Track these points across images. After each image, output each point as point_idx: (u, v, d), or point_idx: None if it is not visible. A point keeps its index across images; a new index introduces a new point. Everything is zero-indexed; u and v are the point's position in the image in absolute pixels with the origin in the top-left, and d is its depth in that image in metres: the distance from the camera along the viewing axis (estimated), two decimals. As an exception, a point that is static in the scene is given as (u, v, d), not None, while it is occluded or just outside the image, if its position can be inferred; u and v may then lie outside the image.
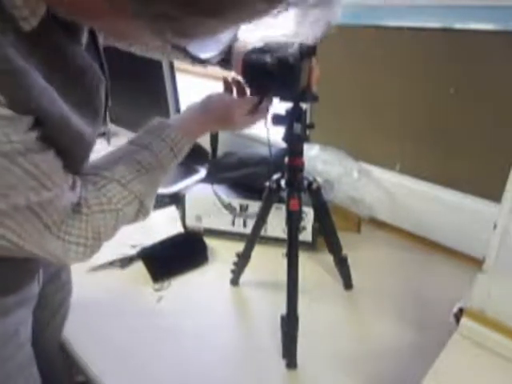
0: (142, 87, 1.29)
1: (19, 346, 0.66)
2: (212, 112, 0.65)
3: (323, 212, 0.86)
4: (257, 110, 0.66)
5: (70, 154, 0.47)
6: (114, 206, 0.52)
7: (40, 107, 0.40)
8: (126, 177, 0.54)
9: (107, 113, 0.60)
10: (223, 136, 1.44)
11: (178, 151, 0.59)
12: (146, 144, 0.58)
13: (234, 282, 0.98)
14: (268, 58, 0.62)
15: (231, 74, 0.71)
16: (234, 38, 0.70)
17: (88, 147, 0.51)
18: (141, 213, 0.58)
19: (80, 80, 0.48)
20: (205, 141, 1.25)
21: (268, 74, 0.63)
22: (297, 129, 0.71)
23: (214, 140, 0.77)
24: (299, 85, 0.64)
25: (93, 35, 0.54)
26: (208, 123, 0.65)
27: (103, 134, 1.74)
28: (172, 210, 1.20)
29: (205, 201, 1.11)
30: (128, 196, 0.54)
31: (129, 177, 0.54)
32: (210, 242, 1.08)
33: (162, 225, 1.14)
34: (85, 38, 0.50)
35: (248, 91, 0.68)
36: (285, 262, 0.76)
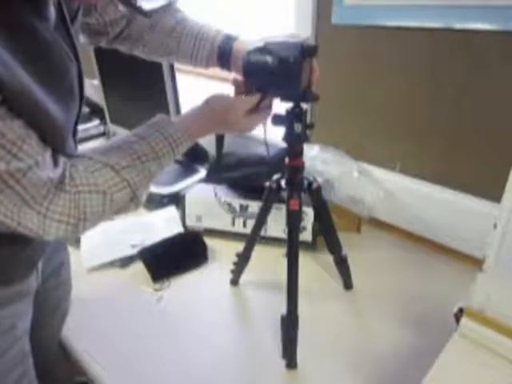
0: (141, 87, 1.29)
1: (15, 340, 0.66)
2: (213, 112, 0.65)
3: (323, 212, 0.86)
4: (259, 109, 0.65)
5: (37, 131, 0.47)
6: (101, 187, 0.52)
7: None
8: (121, 163, 0.54)
9: (84, 99, 0.59)
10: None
11: (176, 147, 0.59)
12: (145, 136, 0.58)
13: (234, 282, 0.98)
14: (269, 58, 0.62)
15: (232, 75, 0.71)
16: (233, 39, 0.70)
17: (60, 129, 0.51)
18: (133, 202, 0.57)
19: (45, 56, 0.48)
20: (205, 141, 1.25)
21: (268, 73, 0.63)
22: (297, 129, 0.71)
23: (220, 142, 0.77)
24: (300, 85, 0.64)
25: (63, 17, 0.54)
26: (210, 124, 0.65)
27: (103, 134, 1.75)
28: (172, 210, 1.20)
29: (205, 201, 1.12)
30: (120, 183, 0.54)
31: (123, 163, 0.55)
32: (209, 242, 1.08)
33: (162, 225, 1.14)
34: (52, 16, 0.50)
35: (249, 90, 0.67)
36: (285, 262, 0.76)
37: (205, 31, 0.71)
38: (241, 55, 0.65)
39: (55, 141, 0.50)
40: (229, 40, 0.70)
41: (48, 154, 0.48)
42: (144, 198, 0.60)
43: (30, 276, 0.66)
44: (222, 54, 0.71)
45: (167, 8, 0.72)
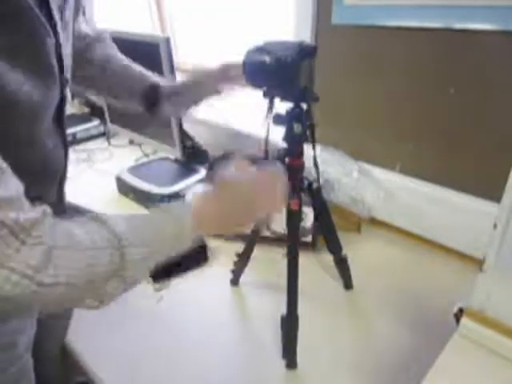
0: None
1: (16, 358, 0.63)
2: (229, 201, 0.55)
3: (323, 212, 0.86)
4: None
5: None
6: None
7: None
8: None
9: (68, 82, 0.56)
10: (223, 136, 1.45)
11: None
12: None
13: (234, 282, 0.98)
14: (267, 58, 0.62)
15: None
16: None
17: (36, 107, 0.47)
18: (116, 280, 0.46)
19: (13, 21, 0.43)
20: (205, 140, 1.25)
21: (267, 73, 0.63)
22: (296, 129, 0.71)
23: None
24: (298, 85, 0.64)
25: None
26: (226, 217, 0.55)
27: (103, 134, 1.75)
28: (172, 210, 1.20)
29: (205, 201, 1.11)
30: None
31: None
32: (209, 242, 1.08)
33: (162, 225, 1.14)
34: None
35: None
36: (285, 262, 0.76)
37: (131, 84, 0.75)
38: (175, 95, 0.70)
39: (29, 122, 0.46)
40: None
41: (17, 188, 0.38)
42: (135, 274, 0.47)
43: None
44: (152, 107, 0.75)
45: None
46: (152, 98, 0.76)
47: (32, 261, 0.37)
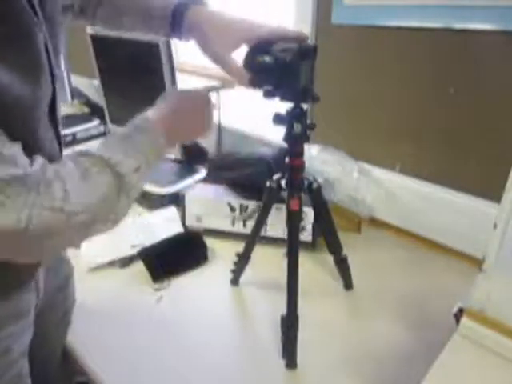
0: (141, 87, 1.29)
1: (10, 364, 0.61)
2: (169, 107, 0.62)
3: (323, 212, 0.86)
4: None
5: None
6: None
7: None
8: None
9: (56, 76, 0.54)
10: (223, 136, 1.44)
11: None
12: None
13: (234, 281, 0.98)
14: (267, 58, 0.62)
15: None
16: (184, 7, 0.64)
17: (28, 106, 0.46)
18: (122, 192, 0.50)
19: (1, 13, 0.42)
20: (205, 140, 1.25)
21: (267, 73, 0.63)
22: (296, 129, 0.71)
23: None
24: (298, 84, 0.64)
25: None
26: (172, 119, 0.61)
27: (103, 134, 1.75)
28: (172, 210, 1.20)
29: (205, 201, 1.11)
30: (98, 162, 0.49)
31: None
32: (210, 242, 1.08)
33: (162, 225, 1.14)
34: None
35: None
36: (285, 262, 0.76)
37: (152, 5, 0.66)
38: (198, 24, 0.62)
39: (22, 123, 0.46)
40: (181, 8, 0.64)
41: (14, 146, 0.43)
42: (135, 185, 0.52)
43: (29, 289, 0.62)
44: (175, 26, 0.65)
45: None
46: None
47: (57, 194, 0.44)
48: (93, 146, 0.52)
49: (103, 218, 0.49)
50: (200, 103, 0.67)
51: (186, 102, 0.66)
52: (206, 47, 0.63)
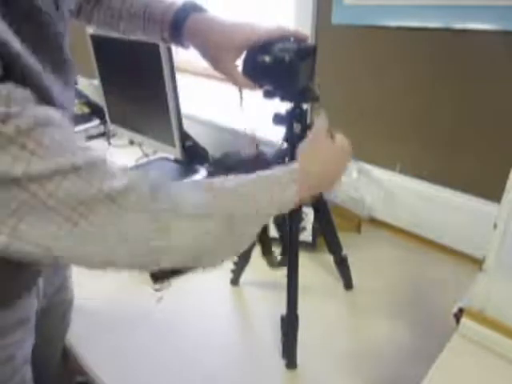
0: (141, 87, 1.29)
1: (14, 372, 0.61)
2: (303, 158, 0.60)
3: (323, 212, 0.86)
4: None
5: None
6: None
7: None
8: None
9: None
10: (223, 136, 1.45)
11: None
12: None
13: (234, 282, 0.98)
14: (266, 57, 0.61)
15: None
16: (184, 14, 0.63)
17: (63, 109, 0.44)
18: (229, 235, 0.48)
19: (35, 20, 0.41)
20: (205, 140, 1.25)
21: (266, 73, 0.63)
22: (296, 129, 0.71)
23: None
24: (298, 84, 0.64)
25: None
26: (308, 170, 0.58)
27: (103, 134, 1.75)
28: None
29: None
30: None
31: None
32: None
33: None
34: None
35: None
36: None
37: (151, 11, 0.64)
38: (199, 32, 0.61)
39: None
40: (182, 16, 0.63)
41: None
42: (244, 238, 0.50)
43: (31, 295, 0.61)
44: (175, 33, 0.64)
45: None
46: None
47: (141, 228, 0.41)
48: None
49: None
50: (344, 158, 0.67)
51: (333, 157, 0.65)
52: (208, 55, 0.63)
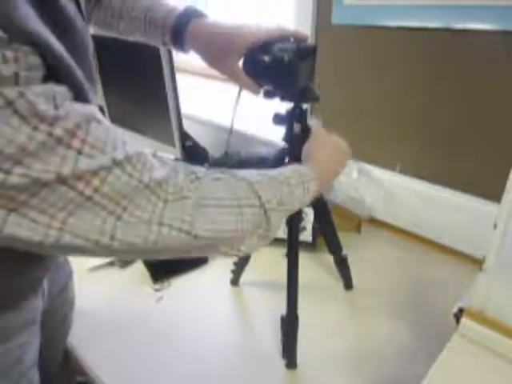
0: (141, 87, 1.29)
1: (22, 375, 0.61)
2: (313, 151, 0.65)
3: (323, 212, 0.86)
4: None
5: None
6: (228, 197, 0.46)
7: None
8: (255, 177, 0.50)
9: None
10: (223, 136, 1.44)
11: (307, 181, 0.57)
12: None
13: (234, 281, 0.98)
14: (265, 57, 0.61)
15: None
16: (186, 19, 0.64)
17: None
18: (261, 228, 0.50)
19: (70, 31, 0.41)
20: (205, 140, 1.25)
21: (266, 72, 0.63)
22: (296, 129, 0.71)
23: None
24: (297, 85, 0.64)
25: None
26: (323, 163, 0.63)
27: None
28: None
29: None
30: (252, 197, 0.48)
31: (257, 178, 0.51)
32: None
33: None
34: None
35: None
36: (285, 262, 0.76)
37: (153, 15, 0.65)
38: (200, 37, 0.62)
39: None
40: (183, 21, 0.64)
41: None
42: (275, 231, 0.52)
43: (37, 296, 0.62)
44: (176, 38, 0.65)
45: None
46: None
47: (186, 216, 0.42)
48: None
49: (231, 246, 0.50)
50: (344, 152, 0.71)
51: (332, 150, 0.68)
52: (209, 59, 0.64)
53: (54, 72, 0.35)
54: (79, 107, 0.36)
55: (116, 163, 0.37)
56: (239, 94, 0.67)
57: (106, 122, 0.39)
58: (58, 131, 0.33)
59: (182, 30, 0.64)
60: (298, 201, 0.56)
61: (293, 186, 0.54)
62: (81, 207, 0.36)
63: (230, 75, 0.65)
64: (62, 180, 0.34)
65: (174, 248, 0.44)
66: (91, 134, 0.36)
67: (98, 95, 0.50)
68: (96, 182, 0.36)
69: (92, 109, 0.38)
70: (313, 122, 0.69)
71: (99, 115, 0.38)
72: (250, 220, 0.48)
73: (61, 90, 0.35)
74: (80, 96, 0.38)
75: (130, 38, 0.72)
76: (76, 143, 0.35)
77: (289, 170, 0.57)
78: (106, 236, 0.38)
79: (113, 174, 0.37)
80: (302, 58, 0.62)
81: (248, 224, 0.48)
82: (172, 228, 0.42)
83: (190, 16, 0.64)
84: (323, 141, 0.67)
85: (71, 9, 0.42)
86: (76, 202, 0.36)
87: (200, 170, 0.48)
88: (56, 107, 0.34)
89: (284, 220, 0.75)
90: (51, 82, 0.34)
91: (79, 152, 0.35)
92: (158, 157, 0.44)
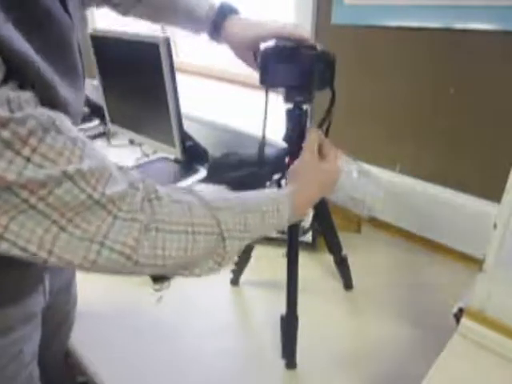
0: (141, 87, 1.29)
1: (22, 367, 0.62)
2: (296, 174, 0.63)
3: (323, 212, 0.86)
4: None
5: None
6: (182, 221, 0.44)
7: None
8: (216, 202, 0.49)
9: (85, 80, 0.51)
10: (223, 136, 1.45)
11: (280, 204, 0.56)
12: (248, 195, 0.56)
13: (234, 282, 0.98)
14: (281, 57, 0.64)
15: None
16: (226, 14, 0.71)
17: (72, 114, 0.42)
18: (219, 253, 0.49)
19: (45, 23, 0.40)
20: (205, 140, 1.25)
21: (280, 72, 0.64)
22: (297, 129, 0.71)
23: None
24: (312, 86, 0.66)
25: None
26: (305, 186, 0.62)
27: (103, 134, 1.75)
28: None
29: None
30: (209, 221, 0.47)
31: (219, 203, 0.49)
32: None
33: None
34: None
35: None
36: (285, 261, 0.76)
37: (198, 10, 0.72)
38: (234, 36, 0.69)
39: None
40: (219, 20, 0.71)
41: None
42: (230, 260, 0.52)
43: (38, 292, 0.62)
44: (212, 34, 0.73)
45: None
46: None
47: (130, 240, 0.40)
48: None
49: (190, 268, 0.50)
50: (330, 180, 0.66)
51: (321, 177, 0.65)
52: (240, 53, 0.72)
53: (16, 73, 0.34)
54: (43, 114, 0.35)
55: (67, 176, 0.36)
56: (266, 102, 0.67)
57: (70, 131, 0.38)
58: (6, 134, 0.32)
59: (218, 28, 0.71)
60: (268, 227, 0.55)
61: (264, 213, 0.53)
62: (23, 213, 0.35)
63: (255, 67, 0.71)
64: (6, 185, 0.34)
65: (113, 270, 0.42)
66: (45, 143, 0.35)
67: (84, 90, 0.49)
68: (42, 192, 0.35)
69: (54, 117, 0.36)
70: (311, 131, 0.67)
71: (64, 125, 0.37)
72: (202, 247, 0.47)
73: (22, 95, 0.34)
74: (49, 97, 0.38)
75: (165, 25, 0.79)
76: (26, 151, 0.34)
77: (264, 195, 0.57)
78: (43, 250, 0.37)
79: (62, 187, 0.36)
80: (327, 65, 0.66)
81: (199, 251, 0.47)
82: (113, 251, 0.40)
83: (226, 14, 0.71)
84: (308, 165, 0.65)
85: (50, 5, 0.41)
86: (19, 209, 0.35)
87: (162, 188, 0.46)
88: (11, 111, 0.33)
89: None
90: (12, 83, 0.34)
91: (28, 159, 0.34)
92: (122, 170, 0.43)
